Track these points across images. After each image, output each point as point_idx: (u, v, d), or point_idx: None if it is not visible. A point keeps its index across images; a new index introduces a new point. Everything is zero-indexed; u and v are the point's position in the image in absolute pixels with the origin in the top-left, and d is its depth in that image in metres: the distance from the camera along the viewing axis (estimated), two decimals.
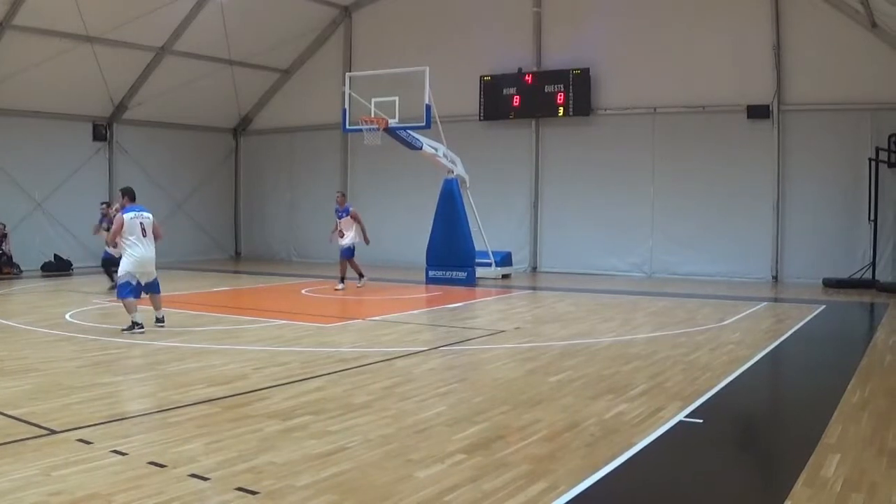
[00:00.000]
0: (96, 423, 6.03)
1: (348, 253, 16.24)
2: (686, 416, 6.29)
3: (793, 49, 17.90)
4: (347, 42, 23.70)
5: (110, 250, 15.06)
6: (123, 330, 10.18)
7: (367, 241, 16.39)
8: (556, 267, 20.65)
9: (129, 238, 10.50)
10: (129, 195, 11.02)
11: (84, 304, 13.39)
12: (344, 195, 17.22)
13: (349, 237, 16.20)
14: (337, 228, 16.51)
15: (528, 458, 5.20)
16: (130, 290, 10.37)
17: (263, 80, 24.55)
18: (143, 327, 10.18)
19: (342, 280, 16.25)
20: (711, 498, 4.70)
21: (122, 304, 10.46)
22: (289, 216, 25.21)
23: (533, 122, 20.96)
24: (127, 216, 10.56)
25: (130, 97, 21.88)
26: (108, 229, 14.80)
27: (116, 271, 11.31)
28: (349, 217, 16.24)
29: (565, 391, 7.19)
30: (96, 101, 21.05)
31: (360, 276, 16.38)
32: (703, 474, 5.13)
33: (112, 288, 14.67)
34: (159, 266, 10.70)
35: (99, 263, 16.67)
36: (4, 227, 19.37)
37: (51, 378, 7.58)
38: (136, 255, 10.49)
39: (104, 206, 16.86)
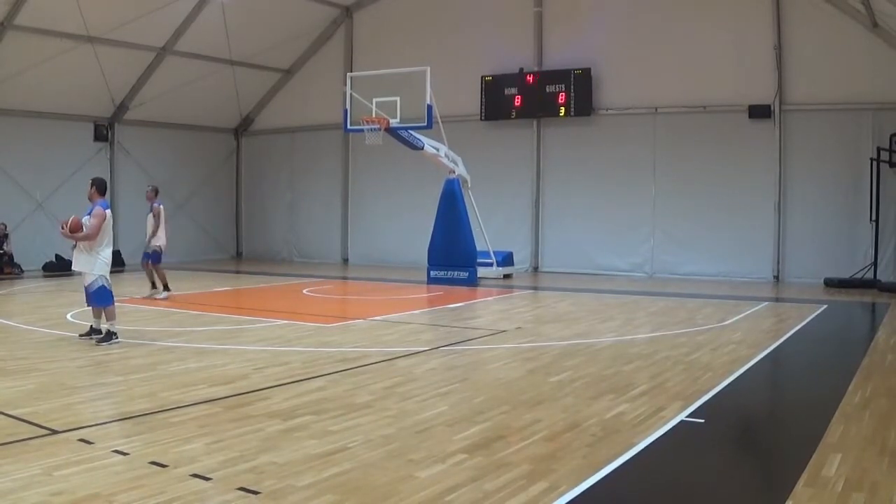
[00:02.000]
0: (98, 423, 6.04)
1: (155, 257, 14.42)
2: (687, 416, 6.29)
3: (794, 49, 17.90)
4: (348, 42, 23.70)
5: None
6: (100, 342, 9.38)
7: (148, 243, 14.46)
8: (558, 267, 20.64)
9: (106, 237, 9.54)
10: (100, 186, 9.69)
11: (85, 304, 13.35)
12: (156, 190, 14.82)
13: (158, 238, 14.35)
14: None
15: (529, 458, 5.20)
16: (112, 297, 9.63)
17: (264, 80, 24.56)
18: (118, 337, 9.51)
19: (159, 286, 14.41)
20: (713, 498, 4.70)
21: (102, 311, 9.60)
22: (290, 216, 25.23)
23: (534, 122, 20.96)
24: (108, 212, 9.58)
25: (132, 97, 21.89)
26: None
27: None
28: (152, 215, 14.37)
29: (566, 391, 7.19)
30: (97, 101, 21.06)
31: (154, 285, 14.49)
32: (704, 474, 5.13)
33: None
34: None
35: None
36: (6, 227, 19.39)
37: (52, 378, 7.58)
38: (110, 257, 9.67)
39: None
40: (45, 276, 18.97)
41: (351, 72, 19.85)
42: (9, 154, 19.79)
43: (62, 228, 9.60)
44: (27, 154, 20.09)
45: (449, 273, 17.61)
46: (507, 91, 20.90)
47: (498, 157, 21.08)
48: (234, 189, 26.28)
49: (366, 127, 16.55)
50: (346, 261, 24.11)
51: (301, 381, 7.55)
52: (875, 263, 16.81)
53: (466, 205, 18.04)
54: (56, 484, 4.57)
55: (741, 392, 7.51)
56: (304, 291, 16.38)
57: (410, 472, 4.91)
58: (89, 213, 9.57)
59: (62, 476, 4.71)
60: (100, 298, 9.55)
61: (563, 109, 20.23)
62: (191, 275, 19.68)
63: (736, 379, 7.78)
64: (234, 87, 23.04)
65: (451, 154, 18.08)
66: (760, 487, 4.89)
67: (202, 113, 24.02)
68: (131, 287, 16.36)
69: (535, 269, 21.03)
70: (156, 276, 14.48)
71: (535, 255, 21.13)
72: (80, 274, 9.88)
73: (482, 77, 21.05)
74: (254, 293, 16.78)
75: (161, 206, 14.55)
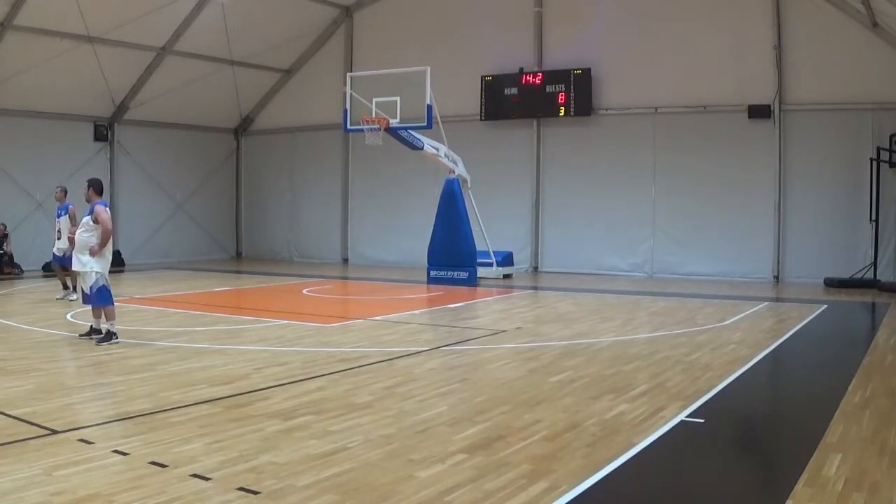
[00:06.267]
0: (98, 423, 6.04)
1: (68, 260, 13.49)
2: (687, 416, 6.29)
3: (794, 48, 17.89)
4: (348, 42, 23.70)
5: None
6: (100, 342, 9.38)
7: (71, 246, 13.65)
8: (558, 267, 20.64)
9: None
10: (97, 187, 9.75)
11: (85, 304, 13.34)
12: (65, 190, 14.37)
13: (66, 240, 13.57)
14: (58, 230, 14.06)
15: (529, 458, 5.20)
16: (112, 297, 9.65)
17: (264, 80, 24.56)
18: (118, 337, 9.50)
19: (67, 287, 13.95)
20: (713, 498, 4.70)
21: (102, 311, 9.61)
22: (290, 216, 25.23)
23: (534, 122, 20.96)
24: (108, 210, 9.68)
25: (132, 97, 21.89)
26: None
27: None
28: (68, 217, 13.85)
29: (566, 391, 7.19)
30: (97, 101, 21.07)
31: (66, 287, 13.99)
32: (704, 474, 5.13)
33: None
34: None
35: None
36: (5, 227, 19.39)
37: (52, 378, 7.58)
38: (110, 256, 9.73)
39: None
40: (45, 276, 18.95)
41: (351, 72, 19.81)
42: (9, 154, 19.78)
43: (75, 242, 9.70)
44: (27, 154, 20.09)
45: (449, 273, 17.61)
46: (507, 91, 20.90)
47: (498, 157, 21.08)
48: (234, 189, 26.27)
49: (366, 127, 16.55)
50: (346, 261, 24.11)
51: (301, 381, 7.55)
52: (875, 263, 16.82)
53: (466, 205, 18.04)
54: (56, 484, 4.57)
55: (741, 392, 7.50)
56: (304, 291, 16.38)
57: (410, 472, 4.91)
58: (89, 214, 9.58)
59: (62, 476, 4.71)
60: (100, 298, 9.55)
61: (563, 109, 20.23)
62: (191, 275, 19.69)
63: (736, 379, 7.77)
64: (234, 87, 23.05)
65: (451, 154, 18.08)
66: (760, 487, 4.89)
67: (202, 113, 24.02)
68: (131, 287, 16.38)
69: (536, 269, 21.03)
70: (68, 278, 14.00)
71: (535, 255, 21.13)
72: (68, 274, 9.86)
73: (482, 77, 21.05)
74: (254, 293, 16.79)
75: (74, 207, 14.01)
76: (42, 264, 19.87)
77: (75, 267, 9.83)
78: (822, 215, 17.85)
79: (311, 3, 22.43)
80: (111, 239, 9.75)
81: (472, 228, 17.98)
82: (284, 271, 20.88)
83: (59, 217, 14.17)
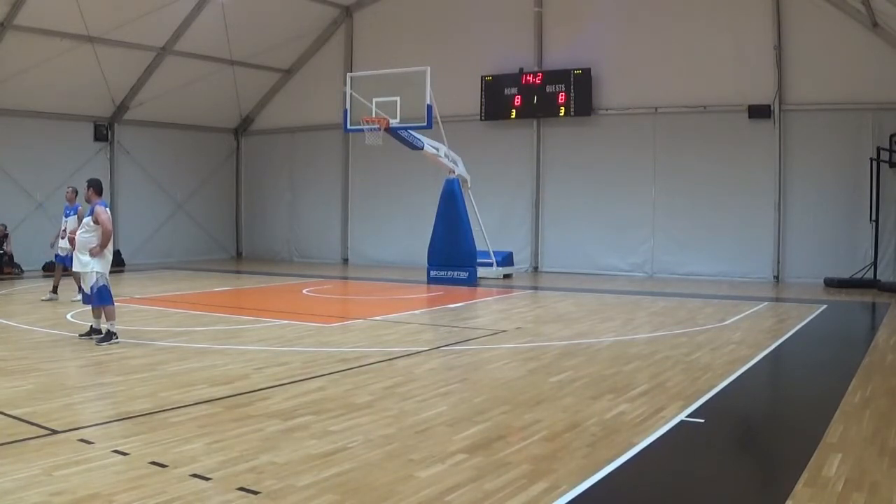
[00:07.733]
0: (98, 423, 6.05)
1: (70, 260, 13.50)
2: (687, 416, 6.29)
3: (794, 49, 17.89)
4: (348, 42, 23.70)
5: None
6: (100, 342, 9.38)
7: (72, 243, 13.88)
8: (558, 267, 20.64)
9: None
10: (97, 187, 9.73)
11: (85, 304, 13.32)
12: (76, 191, 13.78)
13: (69, 240, 12.90)
14: (62, 230, 13.76)
15: (529, 458, 5.20)
16: (112, 296, 9.65)
17: (264, 80, 24.56)
18: (118, 336, 9.50)
19: (56, 291, 14.01)
20: (713, 498, 4.70)
21: (102, 311, 9.61)
22: (290, 216, 25.23)
23: (534, 122, 20.96)
24: (108, 210, 9.69)
25: (132, 97, 21.89)
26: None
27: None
28: (76, 217, 13.34)
29: (566, 391, 7.19)
30: (97, 101, 21.07)
31: (56, 290, 13.98)
32: (704, 474, 5.13)
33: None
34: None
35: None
36: (6, 227, 19.39)
37: (52, 378, 7.58)
38: (110, 256, 9.75)
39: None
40: (45, 276, 18.92)
41: (351, 72, 19.82)
42: (9, 154, 19.79)
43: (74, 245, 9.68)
44: (27, 154, 20.09)
45: (449, 273, 17.61)
46: (507, 91, 20.90)
47: (498, 157, 21.08)
48: (234, 189, 26.27)
49: (366, 127, 16.55)
50: (345, 261, 24.12)
51: (301, 381, 7.55)
52: (875, 263, 16.82)
53: (466, 205, 18.04)
54: (56, 484, 4.57)
55: (741, 392, 7.50)
56: (304, 291, 16.38)
57: (410, 472, 4.91)
58: (89, 215, 9.59)
59: (62, 476, 4.71)
60: (100, 298, 9.56)
61: (563, 109, 20.23)
62: (191, 275, 19.69)
63: (736, 379, 7.77)
64: (234, 87, 23.05)
65: (451, 154, 18.08)
66: (760, 487, 4.90)
67: (202, 113, 24.02)
68: (131, 287, 16.38)
69: (535, 269, 21.02)
70: (76, 278, 13.83)
71: (535, 255, 21.13)
72: (69, 274, 9.86)
73: (482, 77, 21.05)
74: (254, 293, 16.78)
75: (83, 209, 13.62)
76: (42, 264, 19.86)
77: (76, 267, 9.83)
78: (822, 215, 17.85)
79: (311, 3, 22.43)
80: (112, 239, 9.76)
81: (472, 228, 17.98)
82: (284, 271, 20.88)
83: (66, 217, 13.94)
